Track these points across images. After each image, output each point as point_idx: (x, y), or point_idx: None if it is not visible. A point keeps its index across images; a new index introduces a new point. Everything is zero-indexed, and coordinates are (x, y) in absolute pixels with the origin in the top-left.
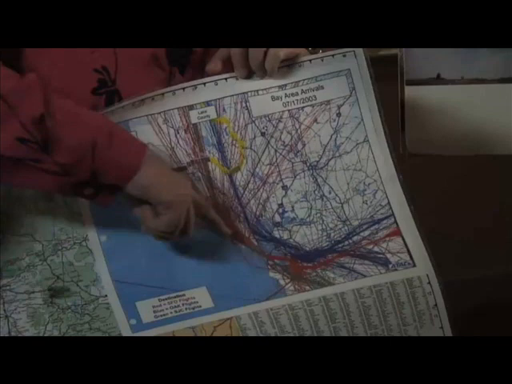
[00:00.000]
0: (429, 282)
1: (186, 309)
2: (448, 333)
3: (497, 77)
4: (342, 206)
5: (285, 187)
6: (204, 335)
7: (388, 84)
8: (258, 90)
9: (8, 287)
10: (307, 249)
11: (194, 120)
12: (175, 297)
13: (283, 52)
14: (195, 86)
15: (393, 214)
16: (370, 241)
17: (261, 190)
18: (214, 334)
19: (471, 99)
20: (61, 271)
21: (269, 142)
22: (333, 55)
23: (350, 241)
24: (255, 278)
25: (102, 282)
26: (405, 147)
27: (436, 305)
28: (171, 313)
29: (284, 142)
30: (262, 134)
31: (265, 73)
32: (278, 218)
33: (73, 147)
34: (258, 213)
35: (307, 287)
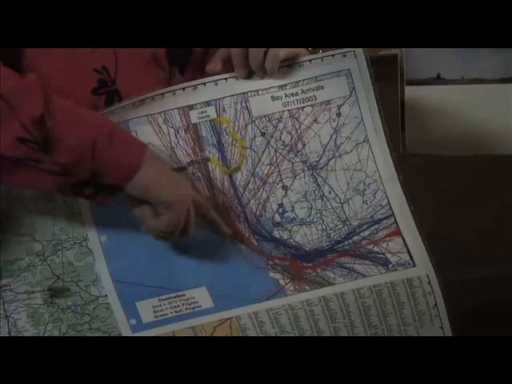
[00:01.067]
0: (429, 282)
1: (186, 309)
2: (448, 333)
3: (497, 77)
4: (342, 206)
5: (285, 187)
6: (204, 335)
7: (388, 84)
8: (257, 90)
9: (8, 287)
10: (307, 249)
11: (194, 120)
12: (175, 297)
13: (283, 52)
14: (195, 86)
15: (393, 214)
16: (369, 241)
17: (261, 189)
18: (214, 334)
19: (471, 99)
20: (61, 271)
21: (269, 142)
22: (333, 55)
23: (350, 241)
24: (255, 278)
25: (102, 282)
26: (405, 147)
27: (436, 305)
28: (171, 313)
29: (284, 142)
30: (262, 134)
31: (265, 73)
32: (277, 218)
33: (73, 147)
34: (258, 213)
35: (307, 287)
